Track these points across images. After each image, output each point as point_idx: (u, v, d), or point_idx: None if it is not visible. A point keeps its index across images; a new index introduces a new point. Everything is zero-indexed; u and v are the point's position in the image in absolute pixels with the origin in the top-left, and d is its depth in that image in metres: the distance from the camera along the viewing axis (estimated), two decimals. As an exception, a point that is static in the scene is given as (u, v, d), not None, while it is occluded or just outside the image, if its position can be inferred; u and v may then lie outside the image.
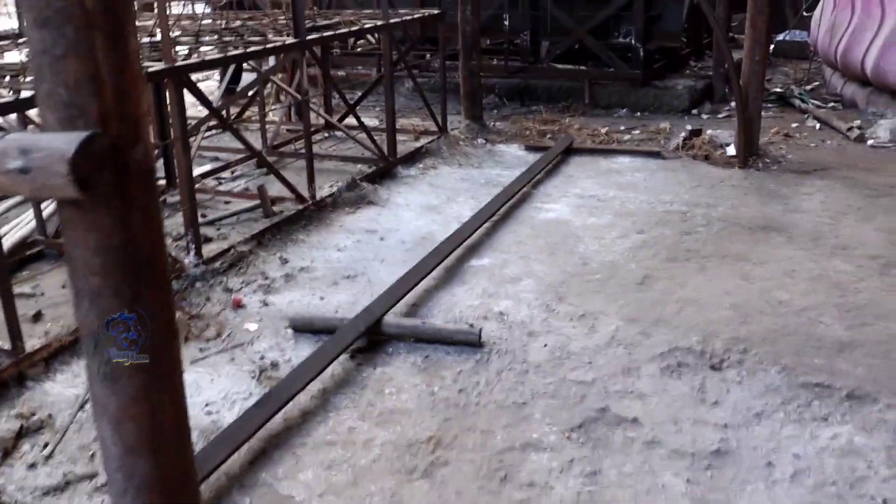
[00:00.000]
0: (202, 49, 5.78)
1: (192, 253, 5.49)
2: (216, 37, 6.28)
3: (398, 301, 4.77)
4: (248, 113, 9.78)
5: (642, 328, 4.58)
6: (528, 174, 7.23)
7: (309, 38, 6.31)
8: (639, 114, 10.13)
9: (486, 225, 6.24)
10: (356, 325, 4.42)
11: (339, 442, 3.68)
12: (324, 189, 7.06)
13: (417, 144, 8.67)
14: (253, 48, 5.78)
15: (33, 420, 3.89)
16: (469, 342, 4.43)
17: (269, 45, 5.89)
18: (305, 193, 6.74)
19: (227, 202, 7.12)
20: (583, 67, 10.64)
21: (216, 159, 8.56)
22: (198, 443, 3.72)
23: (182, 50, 5.88)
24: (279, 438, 3.73)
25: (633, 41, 10.17)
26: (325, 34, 6.61)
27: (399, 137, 9.26)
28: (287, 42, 6.11)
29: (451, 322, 4.71)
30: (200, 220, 6.80)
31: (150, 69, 4.80)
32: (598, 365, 4.22)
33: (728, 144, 8.01)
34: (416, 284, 4.97)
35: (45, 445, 3.73)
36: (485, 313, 4.84)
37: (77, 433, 3.83)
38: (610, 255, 5.66)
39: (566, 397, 3.94)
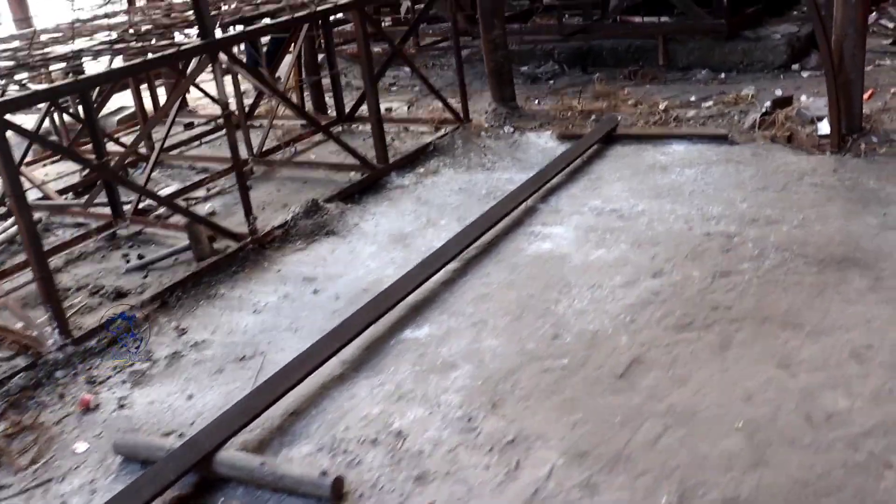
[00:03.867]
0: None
1: (56, 332, 4.34)
2: (96, 41, 4.99)
3: (248, 423, 3.38)
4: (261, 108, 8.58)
5: (588, 473, 2.96)
6: (532, 183, 5.56)
7: (221, 37, 4.91)
8: (723, 75, 8.03)
9: (453, 266, 4.71)
10: (162, 472, 3.09)
11: None
12: (278, 217, 5.73)
13: (429, 140, 7.11)
14: (133, 61, 4.47)
15: None
16: (318, 496, 3.00)
17: (156, 56, 4.53)
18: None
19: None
20: (663, 19, 8.59)
21: (204, 171, 7.43)
22: None
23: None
24: None
25: (715, -17, 8.07)
26: (248, 29, 5.15)
27: (419, 129, 7.80)
28: (184, 47, 4.73)
29: (314, 454, 3.29)
30: (136, 262, 5.70)
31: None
32: (490, 557, 2.67)
33: (822, 118, 5.95)
34: (285, 393, 3.54)
35: None
36: (376, 433, 3.37)
37: None
38: (597, 320, 3.98)
39: None
